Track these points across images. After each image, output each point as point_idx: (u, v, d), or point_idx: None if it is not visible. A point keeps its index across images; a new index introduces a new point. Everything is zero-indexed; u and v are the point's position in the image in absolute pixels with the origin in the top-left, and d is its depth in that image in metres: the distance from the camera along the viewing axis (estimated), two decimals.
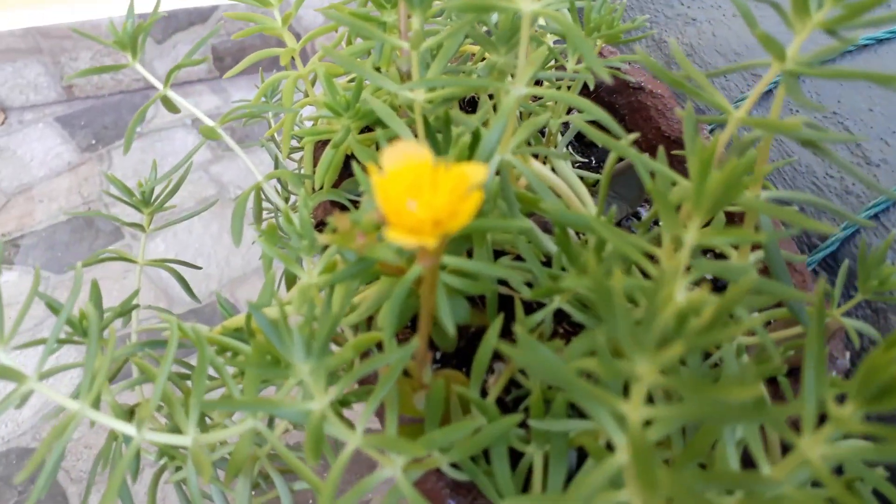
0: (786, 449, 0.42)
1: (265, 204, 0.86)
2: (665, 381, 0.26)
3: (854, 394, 0.25)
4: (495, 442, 0.38)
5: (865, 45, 0.62)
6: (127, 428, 0.43)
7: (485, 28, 0.52)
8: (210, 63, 1.98)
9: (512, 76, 0.40)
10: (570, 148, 0.63)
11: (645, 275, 0.49)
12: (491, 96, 0.59)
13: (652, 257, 0.37)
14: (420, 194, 0.26)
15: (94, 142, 1.86)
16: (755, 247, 0.42)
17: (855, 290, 0.52)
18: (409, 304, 0.41)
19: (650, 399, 0.34)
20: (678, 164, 0.57)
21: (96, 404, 0.45)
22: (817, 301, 0.27)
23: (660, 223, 0.44)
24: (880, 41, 0.63)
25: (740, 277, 0.32)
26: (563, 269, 0.44)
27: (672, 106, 0.63)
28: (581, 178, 0.55)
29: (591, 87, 0.49)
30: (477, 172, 0.27)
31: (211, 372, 0.57)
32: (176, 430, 0.49)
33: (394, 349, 0.37)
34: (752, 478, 0.28)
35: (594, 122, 0.39)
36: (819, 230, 0.28)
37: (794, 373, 0.44)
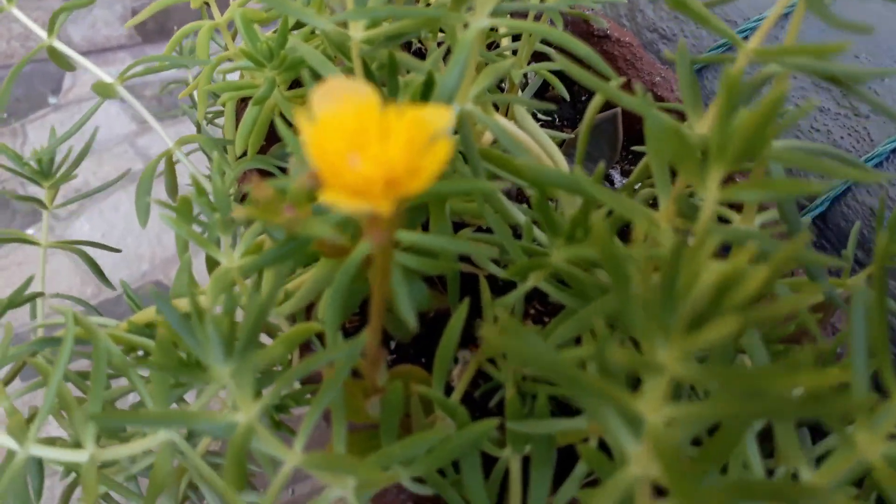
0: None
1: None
2: (693, 372, 0.20)
3: None
4: (466, 451, 0.32)
5: None
6: (8, 441, 0.36)
7: None
8: (131, 28, 1.84)
9: (470, 9, 0.33)
10: None
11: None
12: (440, 45, 0.51)
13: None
14: (366, 146, 0.19)
15: (5, 115, 1.71)
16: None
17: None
18: (355, 288, 0.34)
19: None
20: None
21: None
22: (877, 271, 0.21)
23: (650, 182, 0.37)
24: None
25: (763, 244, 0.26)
26: (535, 241, 0.38)
27: (641, 55, 0.57)
28: None
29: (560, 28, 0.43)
30: (440, 116, 0.20)
31: None
32: (78, 442, 0.41)
33: (338, 345, 0.30)
34: (799, 490, 0.22)
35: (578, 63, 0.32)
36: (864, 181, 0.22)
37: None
